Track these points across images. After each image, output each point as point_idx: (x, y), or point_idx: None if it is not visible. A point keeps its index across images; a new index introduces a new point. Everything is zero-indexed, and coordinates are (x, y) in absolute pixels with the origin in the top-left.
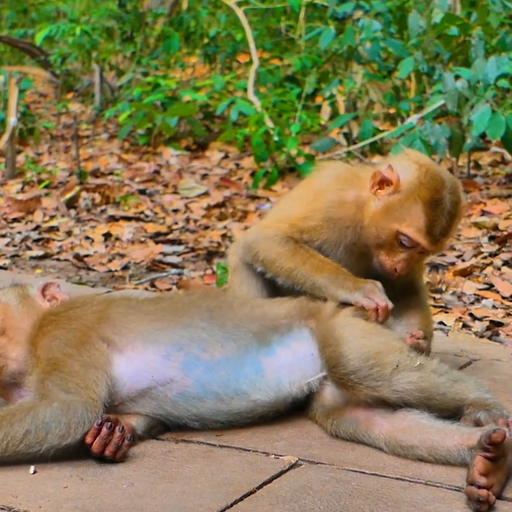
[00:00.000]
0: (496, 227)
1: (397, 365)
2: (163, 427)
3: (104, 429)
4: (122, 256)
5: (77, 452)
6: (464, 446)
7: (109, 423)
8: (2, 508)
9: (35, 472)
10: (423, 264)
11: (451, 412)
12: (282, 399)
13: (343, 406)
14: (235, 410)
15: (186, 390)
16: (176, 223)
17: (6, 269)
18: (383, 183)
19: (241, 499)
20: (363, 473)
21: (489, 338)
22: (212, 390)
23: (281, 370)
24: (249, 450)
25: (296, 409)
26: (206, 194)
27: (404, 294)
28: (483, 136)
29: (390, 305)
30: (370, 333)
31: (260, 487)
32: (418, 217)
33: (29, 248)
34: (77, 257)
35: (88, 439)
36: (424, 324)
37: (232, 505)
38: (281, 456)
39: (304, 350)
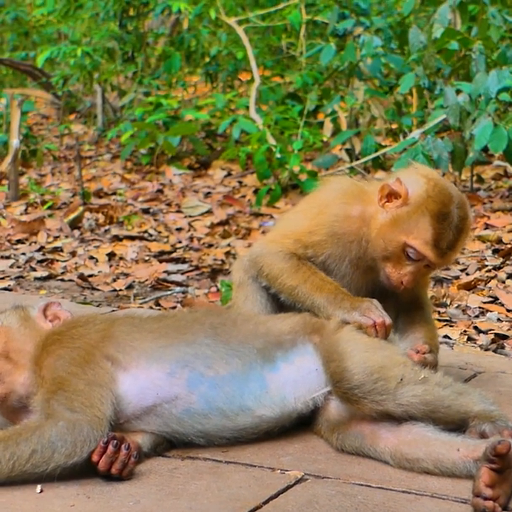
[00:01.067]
0: (499, 241)
1: (401, 379)
2: (168, 444)
3: (110, 447)
4: (126, 275)
5: (83, 470)
6: (469, 459)
7: (115, 441)
8: None
9: (41, 491)
10: (428, 280)
11: (457, 425)
12: (287, 414)
13: (348, 420)
14: (240, 426)
15: (191, 406)
16: (180, 242)
17: (10, 290)
18: (391, 196)
19: None
20: (369, 486)
21: (494, 351)
22: (218, 407)
23: (285, 386)
24: (255, 466)
25: (301, 424)
26: (209, 212)
27: (409, 309)
28: (485, 149)
29: (388, 321)
30: (373, 347)
31: (266, 502)
32: (425, 230)
33: (33, 269)
34: (81, 277)
35: (94, 458)
36: (428, 337)
37: None
38: (287, 471)
39: (308, 365)
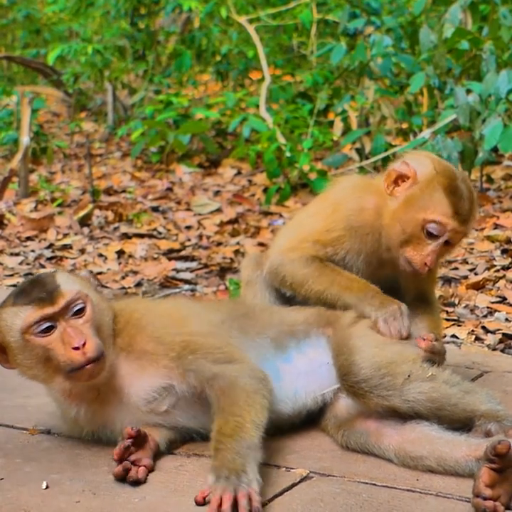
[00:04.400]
0: (508, 241)
1: (408, 375)
2: (180, 442)
3: (127, 464)
4: (135, 273)
5: (89, 466)
6: (471, 457)
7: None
8: None
9: (47, 487)
10: (435, 278)
11: (463, 423)
12: (298, 411)
13: (354, 417)
14: None
15: None
16: (189, 240)
17: None
18: (399, 179)
19: None
20: (374, 485)
21: (502, 350)
22: None
23: (298, 379)
24: (260, 463)
25: (307, 422)
26: (219, 210)
27: (416, 305)
28: (495, 150)
29: (405, 335)
30: (384, 343)
31: (272, 500)
32: (441, 202)
33: (43, 266)
34: (90, 274)
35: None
36: (431, 326)
37: None
38: (292, 468)
39: (320, 358)
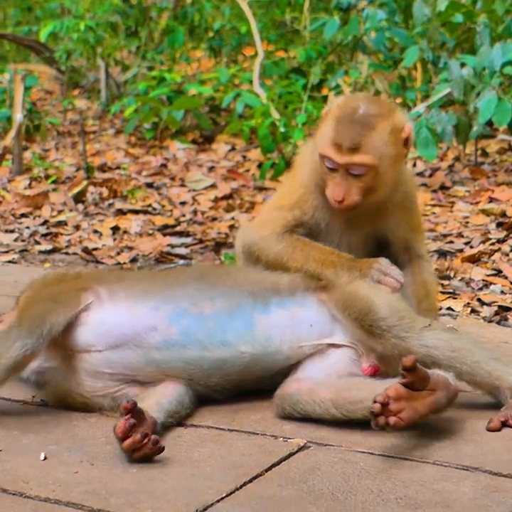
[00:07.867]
0: (503, 214)
1: (429, 324)
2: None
3: (139, 437)
4: (130, 248)
5: (86, 438)
6: None
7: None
8: (14, 494)
9: (45, 458)
10: (417, 225)
11: (487, 391)
12: (271, 354)
13: (287, 384)
14: (220, 359)
15: (171, 337)
16: (184, 215)
17: (15, 263)
18: None
19: (250, 481)
20: (372, 454)
21: (498, 322)
22: (197, 339)
23: (272, 329)
24: (257, 433)
25: None
26: (213, 186)
27: (406, 262)
28: (489, 123)
29: (401, 280)
30: (397, 297)
31: (269, 469)
32: (327, 133)
33: (38, 242)
34: (85, 250)
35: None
36: (421, 294)
37: (241, 487)
38: (289, 438)
39: (303, 316)
